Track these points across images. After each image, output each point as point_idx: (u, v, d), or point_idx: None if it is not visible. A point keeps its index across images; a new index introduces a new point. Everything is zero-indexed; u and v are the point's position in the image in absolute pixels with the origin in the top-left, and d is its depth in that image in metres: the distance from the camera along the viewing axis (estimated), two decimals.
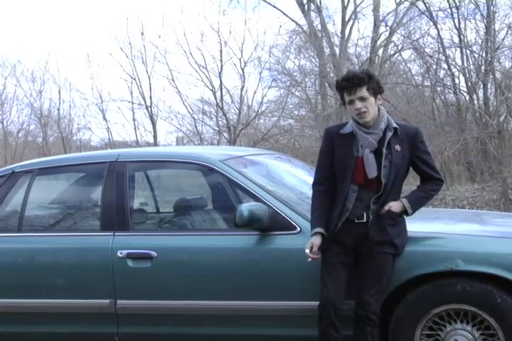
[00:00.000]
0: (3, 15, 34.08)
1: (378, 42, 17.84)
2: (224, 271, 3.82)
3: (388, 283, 3.49)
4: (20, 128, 23.00)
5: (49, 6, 35.81)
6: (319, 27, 18.53)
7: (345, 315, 3.44)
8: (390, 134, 3.50)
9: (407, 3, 17.32)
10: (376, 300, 3.43)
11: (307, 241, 3.50)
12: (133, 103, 18.06)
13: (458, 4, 14.85)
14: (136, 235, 4.08)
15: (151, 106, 17.90)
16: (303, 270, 3.63)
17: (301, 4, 18.95)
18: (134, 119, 18.29)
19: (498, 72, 14.02)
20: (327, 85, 17.55)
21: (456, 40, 15.22)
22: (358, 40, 18.67)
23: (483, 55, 14.44)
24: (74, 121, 21.80)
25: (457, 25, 14.86)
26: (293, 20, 18.94)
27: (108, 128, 18.69)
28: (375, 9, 18.01)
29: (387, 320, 3.59)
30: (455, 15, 14.91)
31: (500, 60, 14.63)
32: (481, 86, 14.88)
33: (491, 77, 14.12)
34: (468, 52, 14.81)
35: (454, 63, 15.24)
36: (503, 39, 14.89)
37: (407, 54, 17.60)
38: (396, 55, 17.75)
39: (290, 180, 4.56)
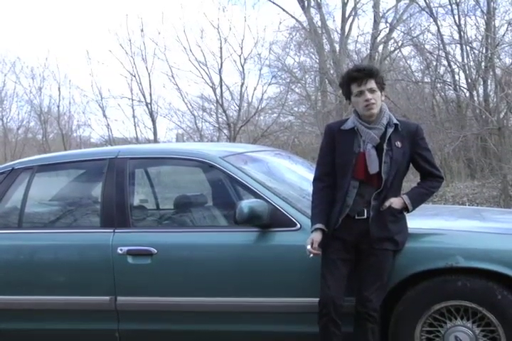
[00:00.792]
0: (2, 12, 34.06)
1: (378, 39, 17.83)
2: (224, 267, 3.82)
3: (388, 279, 3.49)
4: (20, 125, 23.05)
5: (49, 2, 35.79)
6: (319, 23, 18.53)
7: (345, 311, 3.44)
8: (390, 130, 3.50)
9: (407, 0, 17.30)
10: (377, 296, 3.43)
11: (307, 238, 3.50)
12: (133, 100, 18.10)
13: (458, 0, 14.82)
14: (136, 232, 4.08)
15: (150, 103, 17.93)
16: (303, 266, 3.63)
17: (300, 1, 18.95)
18: (133, 116, 18.32)
19: (498, 68, 14.01)
20: (327, 82, 17.56)
21: (456, 36, 15.22)
22: (358, 36, 18.69)
23: (484, 51, 14.43)
24: (74, 118, 21.87)
25: (457, 21, 14.85)
26: (293, 17, 18.96)
27: (108, 125, 18.73)
28: (375, 5, 18.00)
29: (387, 317, 3.60)
30: (455, 11, 14.89)
31: (501, 57, 14.63)
32: (481, 82, 14.87)
33: (491, 73, 14.11)
34: (468, 48, 14.81)
35: (454, 60, 15.23)
36: (503, 35, 14.89)
37: (407, 50, 17.64)
38: (396, 52, 17.77)
39: (290, 176, 4.56)
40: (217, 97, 16.83)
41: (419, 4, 16.24)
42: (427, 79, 16.31)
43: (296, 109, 19.70)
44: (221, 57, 16.48)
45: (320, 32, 18.35)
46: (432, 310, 3.52)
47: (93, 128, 20.20)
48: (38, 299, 4.08)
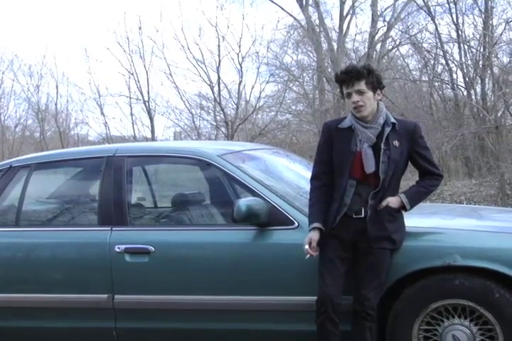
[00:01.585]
0: (0, 9, 33.99)
1: (376, 38, 17.85)
2: (222, 266, 3.81)
3: (386, 278, 3.49)
4: (17, 122, 22.99)
5: (47, 0, 35.72)
6: (317, 22, 18.54)
7: (343, 310, 3.44)
8: (388, 129, 3.50)
9: None
10: (374, 295, 3.43)
11: (305, 236, 3.50)
12: (130, 98, 18.12)
13: None
14: (134, 230, 4.07)
15: (148, 101, 17.94)
16: (301, 265, 3.62)
17: None
18: (131, 114, 18.35)
19: (496, 67, 14.02)
20: (325, 80, 17.58)
21: (454, 35, 15.25)
22: (355, 35, 18.72)
23: (481, 50, 14.44)
24: (71, 116, 21.85)
25: (455, 20, 14.87)
26: (291, 15, 18.97)
27: (106, 123, 18.76)
28: (373, 4, 17.99)
29: (385, 315, 3.60)
30: (453, 10, 14.92)
31: (498, 55, 14.67)
32: (479, 81, 14.89)
33: (489, 72, 14.12)
34: (466, 47, 14.82)
35: (451, 58, 15.26)
36: (501, 34, 14.90)
37: (404, 49, 17.64)
38: (394, 50, 17.77)
39: (288, 175, 4.55)
40: (215, 95, 16.84)
41: (417, 3, 16.25)
42: (424, 78, 16.34)
43: (293, 107, 19.72)
44: (219, 56, 16.51)
45: (318, 30, 18.36)
46: (429, 309, 3.52)
47: (91, 126, 20.25)
48: (35, 297, 4.08)
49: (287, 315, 3.72)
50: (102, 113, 18.76)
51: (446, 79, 15.60)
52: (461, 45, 14.82)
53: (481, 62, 14.48)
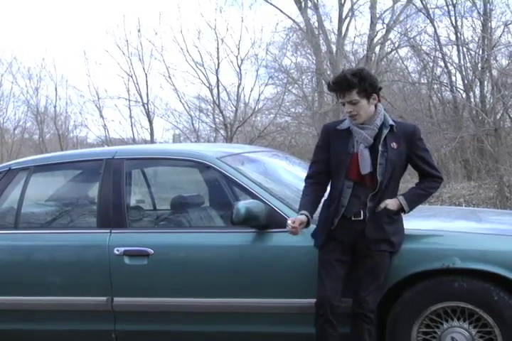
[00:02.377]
0: None
1: (375, 40, 17.85)
2: (221, 268, 3.81)
3: (385, 280, 3.49)
4: (16, 125, 22.96)
5: (46, 2, 35.74)
6: (316, 24, 18.53)
7: (342, 312, 3.44)
8: (385, 131, 3.50)
9: (403, 1, 17.31)
10: (373, 297, 3.43)
11: (304, 239, 3.51)
12: (130, 100, 18.10)
13: (455, 2, 14.84)
14: (133, 232, 4.07)
15: (147, 104, 17.93)
16: (300, 267, 3.64)
17: (298, 1, 18.95)
18: (130, 116, 18.33)
19: (495, 69, 14.03)
20: (324, 83, 17.54)
21: (453, 37, 15.23)
22: (354, 37, 18.70)
23: (480, 52, 14.43)
24: (70, 119, 21.79)
25: (454, 22, 14.86)
26: (290, 18, 18.96)
27: (105, 125, 18.74)
28: (372, 7, 17.99)
29: (384, 318, 3.60)
30: (452, 12, 14.91)
31: (497, 58, 14.67)
32: (478, 84, 14.88)
33: (488, 74, 14.12)
34: (464, 49, 14.81)
35: (450, 61, 15.25)
36: (500, 37, 14.89)
37: (403, 51, 17.63)
38: (393, 53, 17.75)
39: (287, 177, 4.56)
40: (214, 98, 16.84)
41: (415, 5, 16.25)
42: (423, 80, 16.34)
43: (292, 109, 19.71)
44: (218, 58, 16.51)
45: (317, 33, 18.35)
46: (428, 311, 3.52)
47: (90, 128, 20.14)
48: (34, 300, 4.08)
49: (286, 317, 3.72)
50: (101, 115, 18.76)
51: (445, 81, 15.60)
52: (460, 47, 14.82)
53: (480, 65, 14.48)
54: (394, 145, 3.49)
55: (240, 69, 16.50)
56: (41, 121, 21.59)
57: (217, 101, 16.78)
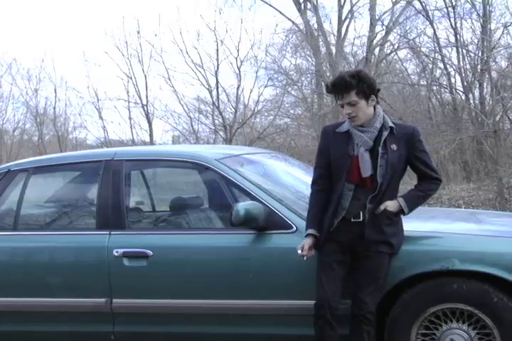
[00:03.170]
0: None
1: (374, 42, 17.86)
2: (220, 269, 3.81)
3: (384, 282, 3.49)
4: (15, 126, 22.98)
5: (45, 4, 35.76)
6: (315, 26, 18.56)
7: (341, 314, 3.43)
8: (385, 133, 3.49)
9: (403, 3, 17.35)
10: (372, 299, 3.43)
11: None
12: (129, 102, 18.08)
13: (454, 3, 14.89)
14: (132, 234, 4.07)
15: (147, 105, 17.93)
16: (299, 269, 3.63)
17: (297, 3, 18.98)
18: (130, 118, 18.31)
19: (494, 71, 14.05)
20: (323, 84, 17.54)
21: (452, 39, 15.27)
22: (354, 39, 18.74)
23: (479, 54, 14.46)
24: (70, 120, 21.80)
25: (453, 24, 14.90)
26: (289, 19, 18.99)
27: (104, 126, 18.71)
28: (372, 8, 18.02)
29: (383, 319, 3.59)
30: (451, 14, 14.96)
31: (496, 60, 14.71)
32: (477, 85, 14.90)
33: (487, 76, 14.15)
34: (464, 51, 14.84)
35: (450, 62, 15.29)
36: (499, 38, 14.94)
37: (403, 53, 17.66)
38: (392, 54, 17.78)
39: (286, 179, 4.55)
40: (214, 99, 16.83)
41: (415, 7, 16.28)
42: (423, 82, 16.34)
43: (292, 111, 19.73)
44: (217, 60, 16.50)
45: (316, 34, 18.37)
46: (427, 313, 3.52)
47: (89, 130, 20.11)
48: (33, 301, 4.07)
49: (286, 318, 3.72)
50: (101, 117, 18.73)
51: (444, 83, 15.62)
52: (460, 49, 14.85)
53: (479, 67, 14.50)
54: (394, 147, 3.49)
55: (240, 71, 16.49)
56: (40, 122, 21.59)
57: (216, 103, 16.77)
